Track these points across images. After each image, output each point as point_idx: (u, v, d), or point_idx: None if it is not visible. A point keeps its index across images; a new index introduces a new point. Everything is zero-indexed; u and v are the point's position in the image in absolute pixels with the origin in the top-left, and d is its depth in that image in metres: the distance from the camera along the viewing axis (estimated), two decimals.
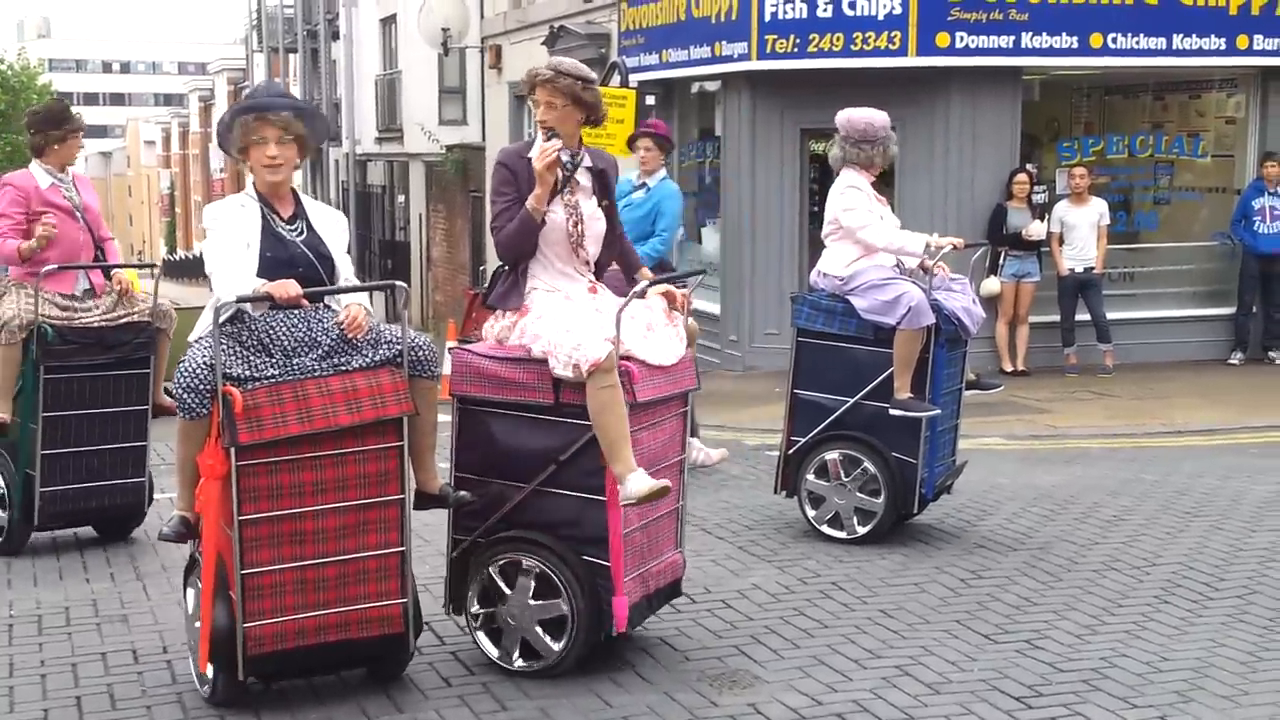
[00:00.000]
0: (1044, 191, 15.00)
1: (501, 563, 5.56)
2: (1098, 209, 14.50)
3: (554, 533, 5.51)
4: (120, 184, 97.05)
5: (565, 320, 5.44)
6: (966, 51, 14.38)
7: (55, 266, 7.55)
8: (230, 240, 5.22)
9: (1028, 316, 14.60)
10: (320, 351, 5.08)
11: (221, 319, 4.98)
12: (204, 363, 4.97)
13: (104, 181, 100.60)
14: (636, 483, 5.26)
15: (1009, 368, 14.52)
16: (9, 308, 7.54)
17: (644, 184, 9.68)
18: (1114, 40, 14.56)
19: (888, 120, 7.62)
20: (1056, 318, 14.64)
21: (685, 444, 5.97)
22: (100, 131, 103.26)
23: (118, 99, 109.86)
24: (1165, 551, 7.35)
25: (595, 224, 5.75)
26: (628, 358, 5.43)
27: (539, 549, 5.49)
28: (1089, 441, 11.01)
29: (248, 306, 5.08)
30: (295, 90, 43.21)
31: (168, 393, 6.31)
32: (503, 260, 5.75)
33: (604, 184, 5.80)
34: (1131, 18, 14.52)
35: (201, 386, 4.95)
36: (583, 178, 5.74)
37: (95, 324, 7.62)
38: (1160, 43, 14.67)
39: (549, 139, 5.56)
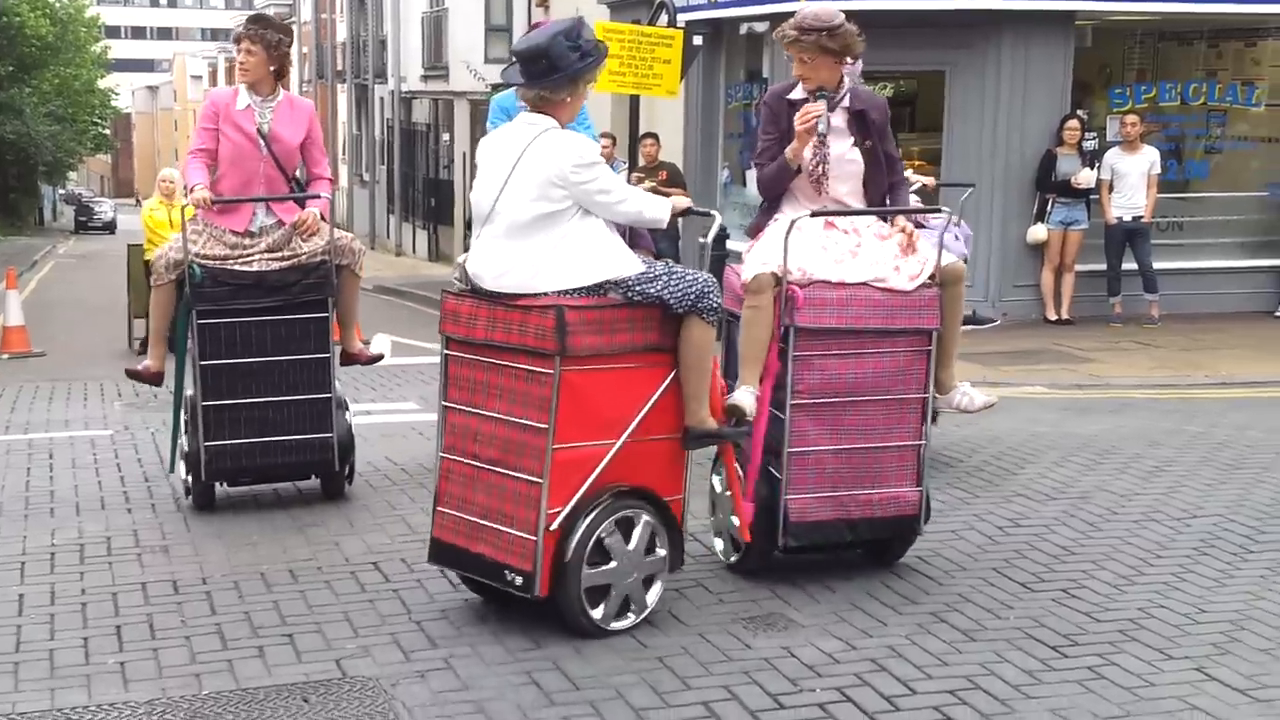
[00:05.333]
0: (1095, 139, 14.82)
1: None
2: (1149, 157, 14.32)
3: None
4: (167, 118, 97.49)
5: (765, 244, 5.87)
6: None
7: (187, 201, 7.00)
8: None
9: (1074, 265, 14.48)
10: None
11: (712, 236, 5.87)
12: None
13: (150, 116, 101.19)
14: (739, 394, 5.68)
15: (1054, 316, 14.44)
16: (164, 248, 7.09)
17: None
18: None
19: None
20: (1103, 266, 14.51)
21: (928, 383, 5.93)
22: (147, 66, 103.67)
23: (165, 33, 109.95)
24: (1206, 503, 7.29)
25: (846, 164, 5.99)
26: (801, 284, 5.71)
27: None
28: (1133, 391, 10.93)
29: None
30: (341, 27, 43.19)
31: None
32: (761, 196, 6.19)
33: (864, 125, 5.99)
34: None
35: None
36: (839, 119, 5.96)
37: (253, 265, 6.94)
38: None
39: (816, 99, 5.87)
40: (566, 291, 5.22)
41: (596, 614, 5.31)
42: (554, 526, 5.21)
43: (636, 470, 5.37)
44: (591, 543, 5.25)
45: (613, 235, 5.36)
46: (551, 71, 5.21)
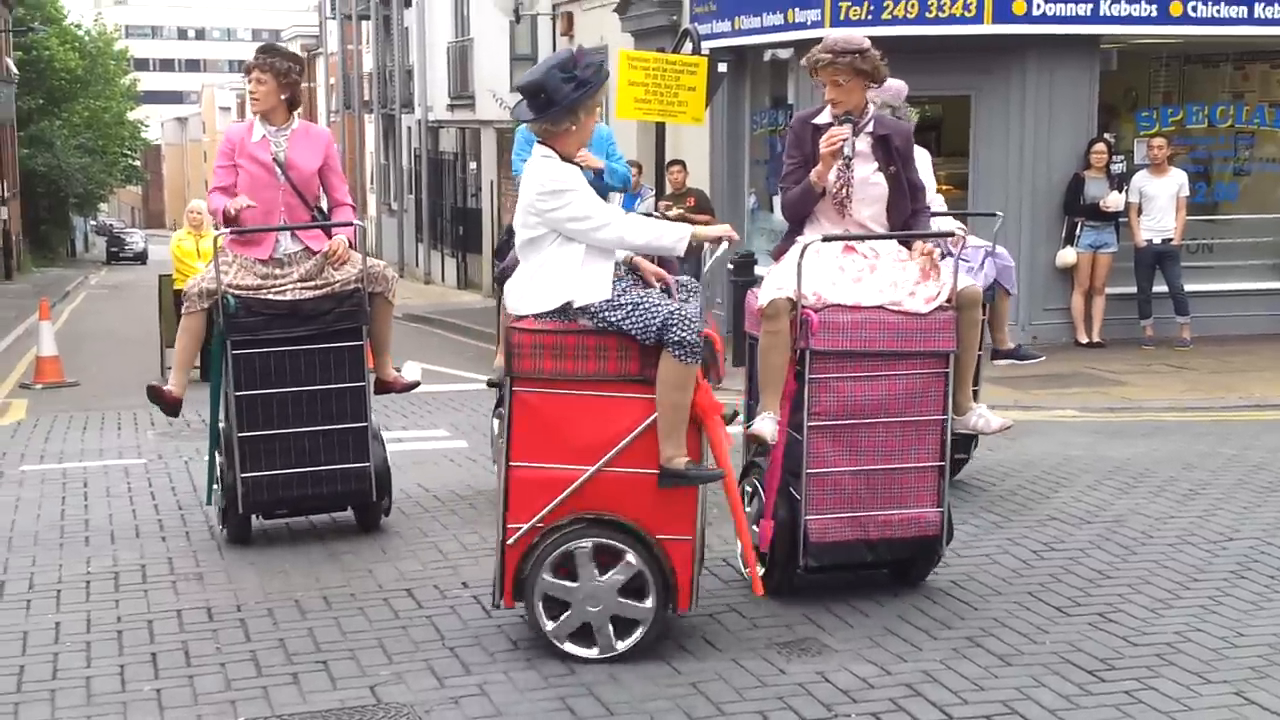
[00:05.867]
0: (1122, 161, 14.80)
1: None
2: (1177, 180, 14.29)
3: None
4: (196, 150, 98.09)
5: (780, 269, 5.91)
6: (1044, 19, 14.21)
7: (224, 230, 7.01)
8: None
9: (1104, 288, 14.44)
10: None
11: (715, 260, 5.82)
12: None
13: (180, 148, 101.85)
14: (759, 422, 5.74)
15: (1084, 339, 14.38)
16: (197, 277, 7.15)
17: None
18: (1194, 9, 14.35)
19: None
20: (1133, 289, 14.46)
21: (945, 405, 5.90)
22: (176, 98, 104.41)
23: (193, 65, 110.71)
24: (1242, 526, 7.24)
25: (869, 188, 6.04)
26: (816, 308, 5.73)
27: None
28: (1165, 414, 10.87)
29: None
30: (368, 58, 43.44)
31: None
32: (786, 219, 6.24)
33: (887, 150, 6.03)
34: None
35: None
36: (863, 143, 6.01)
37: (287, 295, 6.93)
38: (1242, 11, 14.44)
39: (842, 123, 5.94)
40: (538, 315, 5.29)
41: (549, 626, 5.35)
42: (511, 541, 5.31)
43: (621, 501, 5.29)
44: (547, 564, 5.28)
45: (594, 261, 5.29)
46: (549, 106, 5.30)
